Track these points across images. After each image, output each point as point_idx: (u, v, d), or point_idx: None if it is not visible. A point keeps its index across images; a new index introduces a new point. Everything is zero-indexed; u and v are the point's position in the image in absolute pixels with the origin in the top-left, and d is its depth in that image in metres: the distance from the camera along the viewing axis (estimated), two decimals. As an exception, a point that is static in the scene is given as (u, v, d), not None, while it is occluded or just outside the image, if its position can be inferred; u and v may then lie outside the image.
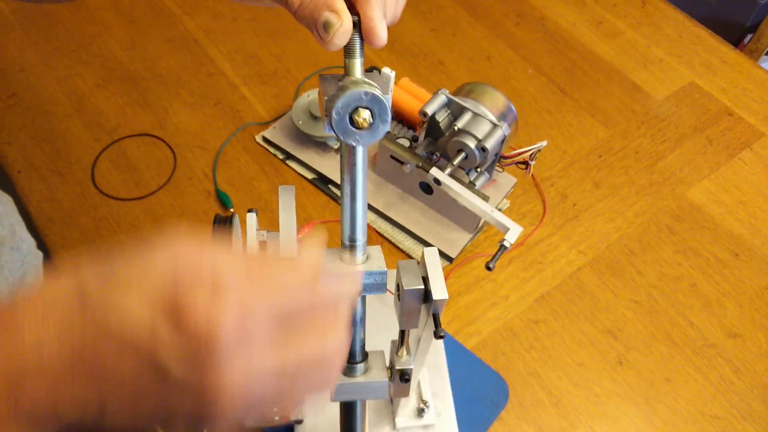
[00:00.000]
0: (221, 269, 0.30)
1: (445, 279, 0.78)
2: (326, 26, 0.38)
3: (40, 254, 0.73)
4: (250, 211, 0.52)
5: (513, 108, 0.79)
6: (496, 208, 0.84)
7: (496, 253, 0.67)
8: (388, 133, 0.87)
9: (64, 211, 0.80)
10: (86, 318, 0.29)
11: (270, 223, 0.82)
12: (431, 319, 0.49)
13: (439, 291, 0.47)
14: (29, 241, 0.69)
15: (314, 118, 0.85)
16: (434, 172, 0.73)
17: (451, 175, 0.74)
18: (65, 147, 0.85)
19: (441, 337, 0.47)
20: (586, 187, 0.90)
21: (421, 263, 0.49)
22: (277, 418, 0.60)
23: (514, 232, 0.68)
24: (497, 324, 0.77)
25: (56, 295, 0.31)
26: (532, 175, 0.89)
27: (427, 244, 0.81)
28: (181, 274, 0.29)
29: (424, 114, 0.76)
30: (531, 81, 1.02)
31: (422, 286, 0.48)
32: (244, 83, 0.95)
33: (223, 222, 0.50)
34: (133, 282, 0.30)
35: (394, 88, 0.84)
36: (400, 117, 0.87)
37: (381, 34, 0.40)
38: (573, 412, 0.71)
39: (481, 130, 0.74)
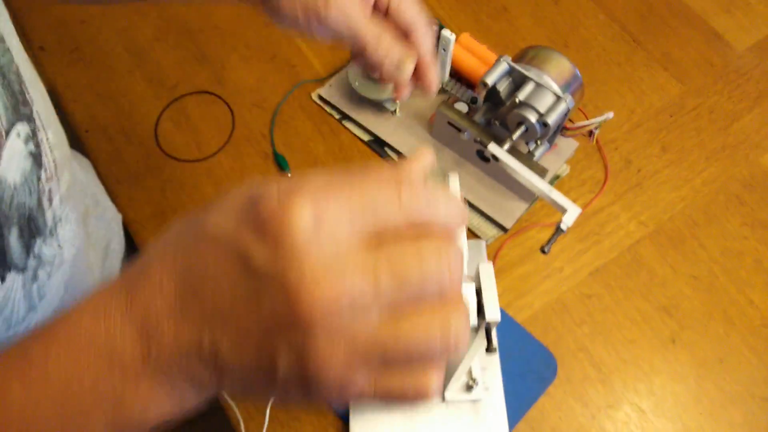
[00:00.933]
0: (296, 180, 0.30)
1: (499, 249, 0.79)
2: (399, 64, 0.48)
3: (119, 216, 0.77)
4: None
5: (579, 75, 0.76)
6: (555, 174, 0.83)
7: (552, 236, 0.67)
8: (446, 94, 0.84)
9: (131, 173, 0.82)
10: (185, 236, 0.32)
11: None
12: (483, 331, 0.50)
13: (492, 311, 0.47)
14: (111, 209, 0.72)
15: (371, 79, 0.83)
16: (492, 147, 0.71)
17: (509, 149, 0.72)
18: (129, 105, 0.87)
19: (492, 351, 0.48)
20: (653, 151, 0.87)
21: (476, 278, 0.49)
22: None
23: (572, 214, 0.67)
24: (549, 297, 0.77)
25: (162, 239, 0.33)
26: (596, 138, 0.86)
27: (483, 214, 0.80)
28: (258, 191, 0.29)
29: (485, 84, 0.73)
30: (602, 29, 0.96)
31: (475, 301, 0.49)
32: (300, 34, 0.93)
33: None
34: (220, 207, 0.31)
35: (454, 46, 0.80)
36: (459, 76, 0.84)
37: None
38: (621, 389, 0.73)
39: (543, 103, 0.71)
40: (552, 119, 0.70)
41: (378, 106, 0.85)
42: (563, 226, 0.67)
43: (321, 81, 0.89)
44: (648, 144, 0.87)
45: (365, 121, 0.85)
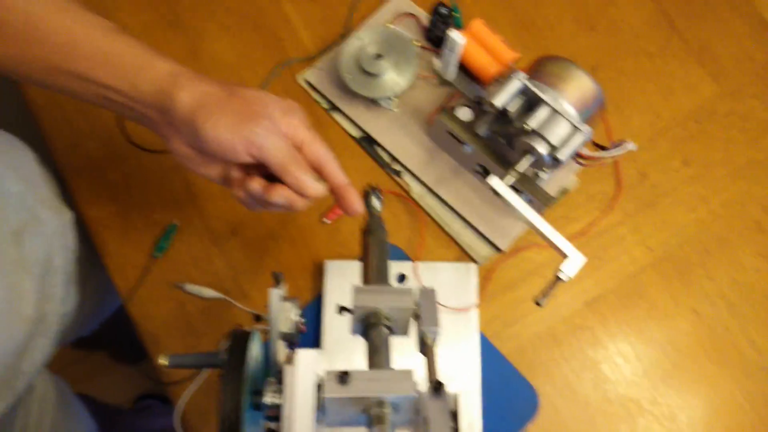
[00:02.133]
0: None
1: (492, 271, 0.73)
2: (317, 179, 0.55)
3: (67, 216, 0.70)
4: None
5: (601, 93, 0.66)
6: (562, 188, 0.75)
7: (550, 286, 0.61)
8: (450, 87, 0.74)
9: (92, 164, 0.74)
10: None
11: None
12: None
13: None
14: (53, 220, 0.65)
15: (365, 73, 0.73)
16: (492, 181, 0.63)
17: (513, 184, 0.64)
18: (89, 77, 0.77)
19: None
20: (673, 164, 0.78)
21: (453, 399, 0.44)
22: None
23: (573, 264, 0.61)
24: (540, 327, 0.73)
25: None
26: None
27: (476, 231, 0.74)
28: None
29: (492, 105, 0.63)
30: (636, 9, 0.83)
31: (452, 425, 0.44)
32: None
33: (241, 340, 0.45)
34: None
35: (464, 36, 0.69)
36: (466, 70, 0.74)
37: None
38: (603, 430, 0.70)
39: (557, 133, 0.62)
40: (565, 154, 0.62)
41: (372, 100, 0.75)
42: (563, 276, 0.61)
43: (310, 60, 0.78)
44: (669, 155, 0.78)
45: (356, 115, 0.76)
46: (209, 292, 0.69)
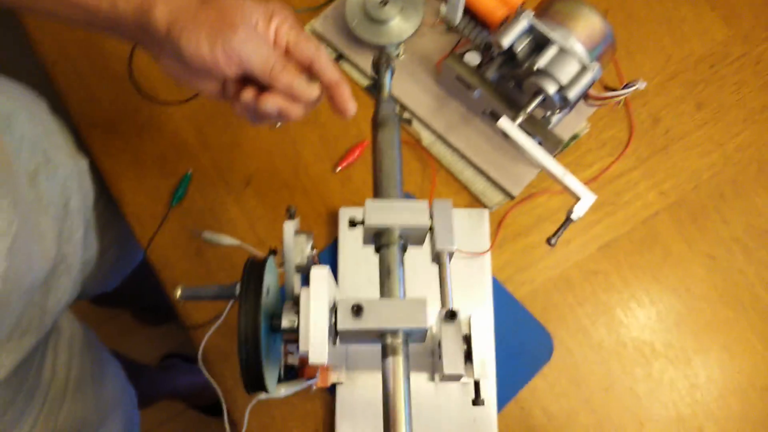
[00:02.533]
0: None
1: (504, 217, 0.73)
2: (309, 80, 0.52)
3: (83, 164, 0.71)
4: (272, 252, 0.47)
5: (611, 33, 0.65)
6: (573, 133, 0.75)
7: (561, 225, 0.61)
8: (458, 33, 0.74)
9: (105, 115, 0.75)
10: None
11: (319, 139, 0.76)
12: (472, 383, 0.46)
13: (480, 364, 0.43)
14: (66, 164, 0.66)
15: (371, 20, 0.72)
16: (503, 123, 0.63)
17: (522, 123, 0.64)
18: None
19: (480, 404, 0.45)
20: (686, 109, 0.78)
21: (467, 325, 0.45)
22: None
23: (585, 203, 0.61)
24: (553, 272, 0.73)
25: None
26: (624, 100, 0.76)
27: (488, 178, 0.74)
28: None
29: (499, 45, 0.63)
30: (646, -47, 0.82)
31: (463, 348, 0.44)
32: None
33: (257, 265, 0.45)
34: None
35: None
36: (473, 15, 0.73)
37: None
38: (617, 372, 0.70)
39: (566, 72, 0.62)
40: (574, 93, 0.61)
41: (379, 47, 0.75)
42: (574, 216, 0.61)
43: (317, 9, 0.78)
44: (681, 99, 0.78)
45: (364, 63, 0.76)
46: (226, 239, 0.70)
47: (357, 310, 0.44)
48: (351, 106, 0.53)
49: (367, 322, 0.44)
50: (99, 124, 0.75)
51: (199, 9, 0.48)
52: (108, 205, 0.75)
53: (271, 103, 0.50)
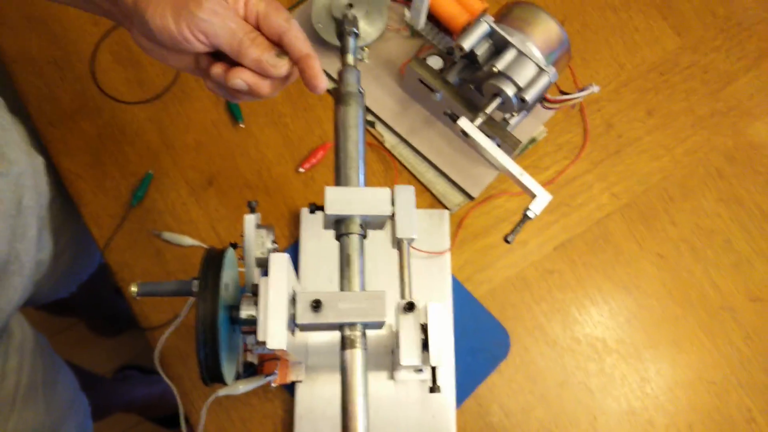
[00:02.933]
0: None
1: (464, 218, 0.75)
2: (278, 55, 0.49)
3: (38, 162, 0.70)
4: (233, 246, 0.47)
5: (567, 39, 0.68)
6: (531, 137, 0.77)
7: (518, 223, 0.63)
8: (421, 39, 0.76)
9: (65, 114, 0.75)
10: None
11: (283, 140, 0.76)
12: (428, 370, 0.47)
13: (436, 353, 0.44)
14: (20, 161, 0.65)
15: (336, 21, 0.74)
16: (462, 123, 0.65)
17: (481, 125, 0.66)
18: (62, 32, 0.77)
19: (436, 391, 0.46)
20: (637, 115, 0.81)
21: (424, 314, 0.46)
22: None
23: (541, 201, 0.63)
24: (511, 272, 0.75)
25: None
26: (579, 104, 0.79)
27: (449, 180, 0.75)
28: None
29: (460, 49, 0.65)
30: (600, -36, 0.85)
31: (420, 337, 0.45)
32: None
33: (216, 254, 0.46)
34: None
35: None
36: (436, 20, 0.75)
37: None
38: (571, 368, 0.72)
39: (523, 75, 0.64)
40: (531, 95, 0.64)
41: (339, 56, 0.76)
42: (531, 214, 0.63)
43: (281, 13, 0.79)
44: (633, 106, 0.81)
45: (329, 67, 0.77)
46: (187, 240, 0.70)
47: (316, 305, 0.44)
48: (321, 81, 0.50)
49: (327, 317, 0.45)
50: (58, 122, 0.74)
51: None
52: (64, 207, 0.74)
53: (240, 78, 0.49)
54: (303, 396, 0.66)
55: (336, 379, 0.66)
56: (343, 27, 0.57)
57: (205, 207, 0.74)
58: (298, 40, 0.49)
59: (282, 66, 0.49)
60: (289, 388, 0.68)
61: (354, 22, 0.57)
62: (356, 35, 0.57)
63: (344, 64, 0.56)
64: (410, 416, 0.67)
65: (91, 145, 0.74)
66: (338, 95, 0.54)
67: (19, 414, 0.66)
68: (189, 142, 0.75)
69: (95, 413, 0.92)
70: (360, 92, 0.54)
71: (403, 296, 0.47)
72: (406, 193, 0.49)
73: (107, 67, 0.77)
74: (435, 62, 0.73)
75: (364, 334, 0.46)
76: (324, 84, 0.50)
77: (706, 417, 0.71)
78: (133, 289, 0.48)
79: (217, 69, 0.50)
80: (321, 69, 0.50)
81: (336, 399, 0.65)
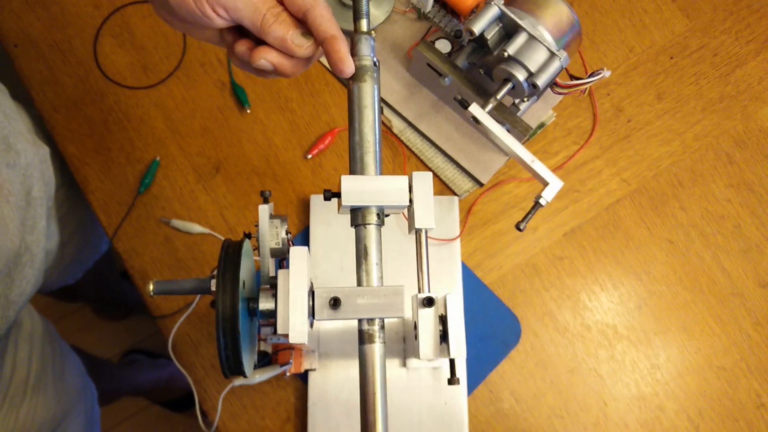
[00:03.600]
0: None
1: (473, 204, 0.74)
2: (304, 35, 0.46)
3: (44, 151, 0.69)
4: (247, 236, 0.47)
5: (578, 22, 0.67)
6: (540, 122, 0.76)
7: (530, 211, 0.62)
8: (428, 21, 0.75)
9: (69, 99, 0.73)
10: None
11: (290, 125, 0.75)
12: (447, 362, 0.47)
13: (457, 346, 0.44)
14: (27, 151, 0.64)
15: (343, 5, 0.72)
16: (473, 109, 0.64)
17: (491, 110, 0.65)
18: (62, 14, 0.75)
19: (455, 383, 0.46)
20: (647, 99, 0.80)
21: (443, 305, 0.45)
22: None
23: (553, 188, 0.62)
24: (520, 259, 0.74)
25: None
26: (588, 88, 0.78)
27: (458, 165, 0.75)
28: None
29: (470, 33, 0.64)
30: (610, -54, 0.84)
31: (439, 328, 0.45)
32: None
33: (234, 245, 0.45)
34: None
35: (442, -30, 0.70)
36: (443, 2, 0.74)
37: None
38: (582, 354, 0.72)
39: (535, 59, 0.63)
40: (543, 80, 0.63)
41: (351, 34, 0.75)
42: (542, 201, 0.62)
43: (287, -4, 0.78)
44: (643, 90, 0.80)
45: (336, 51, 0.75)
46: (196, 227, 0.70)
47: (334, 302, 0.44)
48: (347, 66, 0.47)
49: (345, 313, 0.44)
50: (63, 108, 0.73)
51: None
52: (69, 194, 0.73)
53: (264, 58, 0.46)
54: (316, 383, 0.66)
55: (349, 366, 0.66)
56: None
57: (213, 194, 0.73)
58: (324, 19, 0.46)
59: (307, 46, 0.46)
60: (302, 375, 0.67)
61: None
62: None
63: (356, 31, 0.50)
64: (422, 403, 0.67)
65: (96, 130, 0.73)
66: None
67: (30, 403, 0.66)
68: (195, 128, 0.74)
69: (103, 398, 0.92)
70: (375, 65, 0.50)
71: (420, 289, 0.46)
72: (424, 180, 0.47)
73: (110, 51, 0.75)
74: (443, 46, 0.72)
75: (382, 327, 0.45)
76: (351, 68, 0.47)
77: (716, 402, 0.71)
78: (150, 288, 0.47)
79: (242, 47, 0.48)
80: (348, 51, 0.47)
81: (348, 386, 0.65)
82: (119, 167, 0.72)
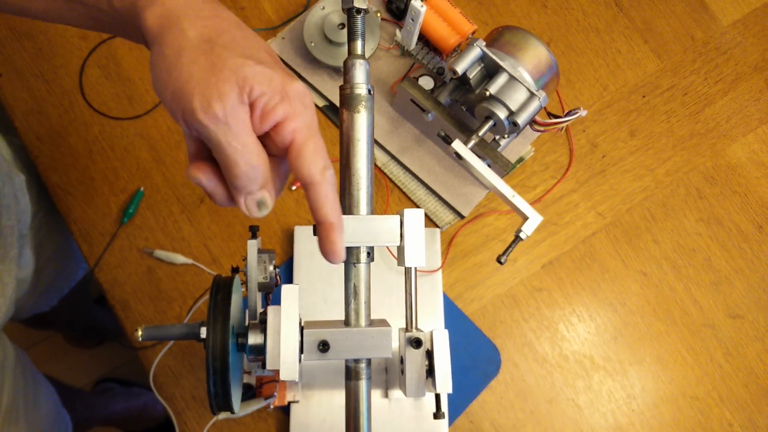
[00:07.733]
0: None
1: (454, 236, 0.76)
2: (260, 204, 0.39)
3: (19, 180, 0.68)
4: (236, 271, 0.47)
5: (555, 64, 0.69)
6: (519, 157, 0.79)
7: (510, 244, 0.64)
8: (411, 58, 0.77)
9: (53, 128, 0.73)
10: None
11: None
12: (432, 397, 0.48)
13: (443, 382, 0.45)
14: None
15: (328, 41, 0.74)
16: (456, 146, 0.65)
17: (473, 146, 0.67)
18: (48, 45, 0.76)
19: (440, 417, 0.47)
20: (621, 135, 0.83)
21: (429, 341, 0.46)
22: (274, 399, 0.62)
23: (533, 222, 0.64)
24: (500, 290, 0.76)
25: None
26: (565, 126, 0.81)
27: (440, 198, 0.76)
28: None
29: (454, 72, 0.66)
30: (584, -12, 0.88)
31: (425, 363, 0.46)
32: None
33: (224, 282, 0.46)
34: None
35: (425, 7, 0.72)
36: (427, 41, 0.76)
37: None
38: (560, 385, 0.74)
39: (515, 99, 0.65)
40: (523, 119, 0.65)
41: (336, 69, 0.77)
42: (522, 235, 0.64)
43: (273, 30, 0.79)
44: (617, 126, 0.83)
45: (320, 85, 0.77)
46: (179, 258, 0.70)
47: (323, 346, 0.44)
48: (337, 257, 0.41)
49: (334, 355, 0.45)
50: (46, 138, 0.73)
51: (198, 40, 0.37)
52: (45, 221, 0.73)
53: (198, 178, 0.39)
54: (298, 415, 0.66)
55: (331, 398, 0.66)
56: (350, 5, 0.46)
57: (197, 225, 0.73)
58: (328, 200, 0.39)
59: (257, 215, 0.40)
60: (284, 408, 0.67)
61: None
62: (365, 11, 0.46)
63: (350, 53, 0.46)
64: (404, 434, 0.67)
65: (80, 160, 0.73)
66: (344, 97, 0.45)
67: None
68: (180, 159, 0.75)
69: (75, 428, 0.91)
70: (370, 93, 0.45)
71: (408, 326, 0.47)
72: (416, 219, 0.47)
73: (96, 81, 0.76)
74: (426, 83, 0.74)
75: (369, 364, 0.46)
76: (341, 260, 0.42)
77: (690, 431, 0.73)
78: (138, 334, 0.46)
79: (191, 147, 0.40)
80: (343, 242, 0.41)
81: (330, 417, 0.66)
82: (102, 197, 0.72)
